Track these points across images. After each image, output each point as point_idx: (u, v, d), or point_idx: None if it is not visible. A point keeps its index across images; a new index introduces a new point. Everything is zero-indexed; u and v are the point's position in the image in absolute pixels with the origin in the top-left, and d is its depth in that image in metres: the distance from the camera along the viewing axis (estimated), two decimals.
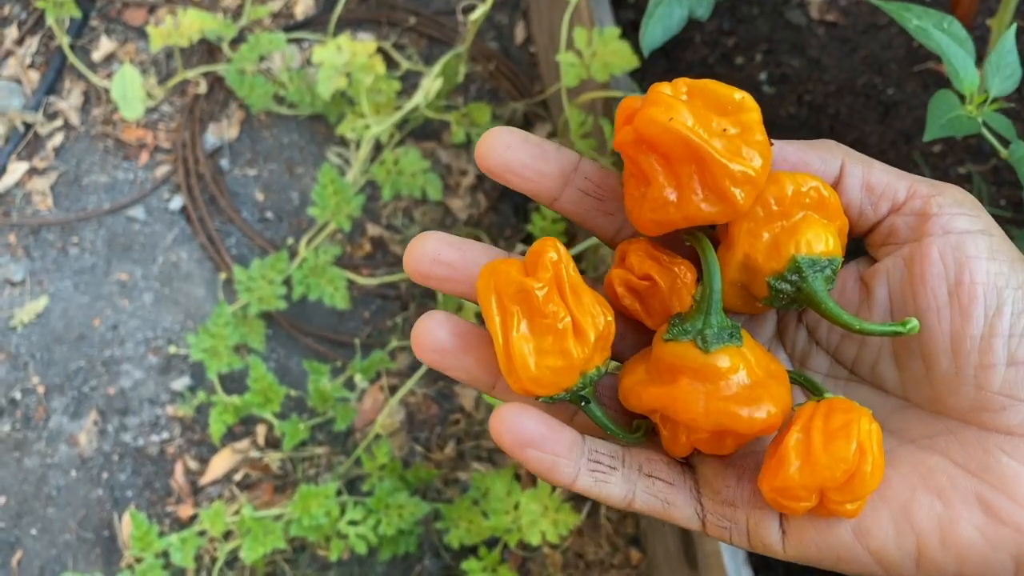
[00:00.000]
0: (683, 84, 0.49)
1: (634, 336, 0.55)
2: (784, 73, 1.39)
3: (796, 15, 1.42)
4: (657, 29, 0.68)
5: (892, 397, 0.51)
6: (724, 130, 0.47)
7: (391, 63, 1.59)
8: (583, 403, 0.51)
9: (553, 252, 0.49)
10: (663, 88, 0.48)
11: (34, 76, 1.61)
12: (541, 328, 0.49)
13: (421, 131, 1.56)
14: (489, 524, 1.20)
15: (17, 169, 1.55)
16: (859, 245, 0.53)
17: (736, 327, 0.49)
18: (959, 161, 1.29)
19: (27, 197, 1.53)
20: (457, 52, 1.42)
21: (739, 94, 0.48)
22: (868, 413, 0.46)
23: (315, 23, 1.66)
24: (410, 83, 1.57)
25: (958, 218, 0.48)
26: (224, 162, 1.56)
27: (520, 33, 1.65)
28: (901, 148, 1.31)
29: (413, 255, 0.51)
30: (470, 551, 1.32)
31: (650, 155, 0.48)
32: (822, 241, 0.48)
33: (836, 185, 0.50)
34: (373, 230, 1.51)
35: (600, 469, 0.49)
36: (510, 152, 0.51)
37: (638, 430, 0.54)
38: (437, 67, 1.37)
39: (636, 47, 1.21)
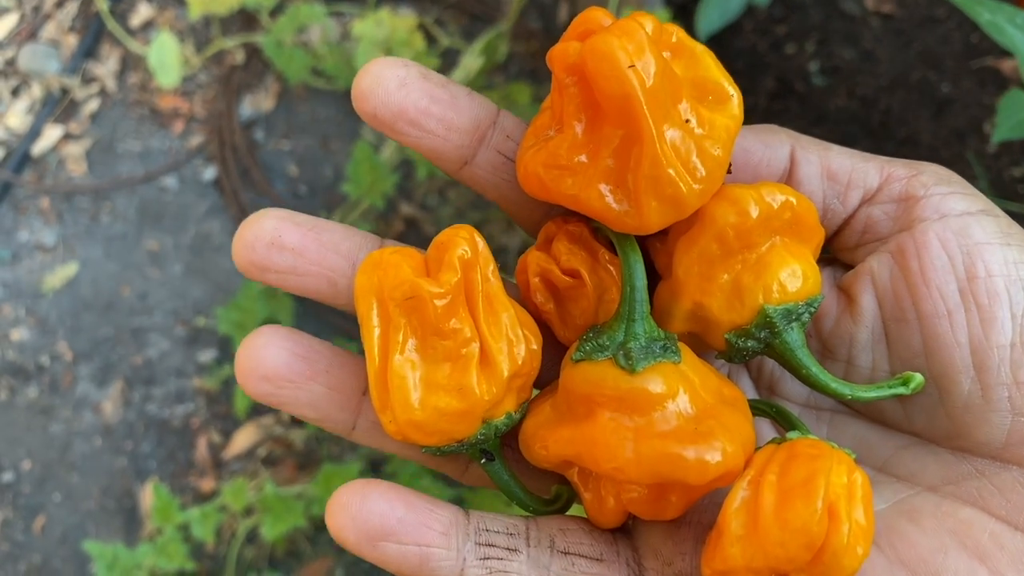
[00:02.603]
0: (674, 32, 0.37)
1: (553, 353, 0.41)
2: (836, 65, 1.34)
3: (850, 5, 1.37)
4: (715, 13, 0.64)
5: (895, 432, 0.40)
6: (687, 122, 0.35)
7: (431, 39, 1.56)
8: (484, 460, 0.39)
9: (465, 247, 0.36)
10: (644, 20, 0.35)
11: (72, 40, 1.60)
12: (436, 352, 0.36)
13: None
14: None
15: (52, 134, 1.54)
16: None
17: (671, 338, 0.37)
18: (1015, 162, 1.25)
19: (61, 162, 1.53)
20: (499, 30, 1.39)
21: (731, 88, 0.37)
22: (845, 459, 0.34)
23: None
24: (449, 60, 1.54)
25: (952, 198, 0.38)
26: (259, 134, 1.54)
27: (564, 13, 1.62)
28: (954, 147, 1.27)
29: (244, 239, 0.38)
30: None
31: (579, 94, 0.35)
32: (798, 278, 0.37)
33: (788, 178, 0.40)
34: (406, 209, 1.50)
35: (495, 555, 0.37)
36: (404, 92, 0.37)
37: (557, 500, 0.41)
38: (478, 45, 1.34)
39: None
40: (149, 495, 1.35)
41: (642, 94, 0.33)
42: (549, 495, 0.41)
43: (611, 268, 0.39)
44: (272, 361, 0.38)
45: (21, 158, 1.51)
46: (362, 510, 0.35)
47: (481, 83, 1.45)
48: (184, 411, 1.40)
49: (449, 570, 0.36)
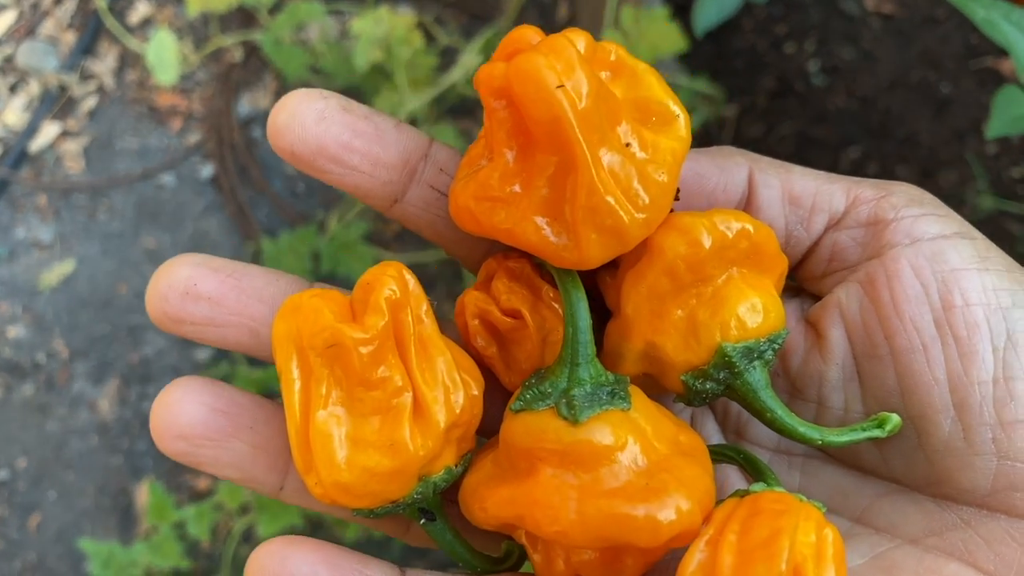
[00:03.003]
0: (613, 50, 0.34)
1: (500, 399, 0.37)
2: (835, 64, 1.34)
3: (850, 5, 1.37)
4: (712, 9, 0.64)
5: (873, 479, 0.37)
6: (628, 145, 0.32)
7: (430, 37, 1.56)
8: (423, 520, 0.36)
9: (393, 286, 0.33)
10: (575, 37, 0.32)
11: (70, 38, 1.60)
12: (363, 405, 0.33)
13: (458, 108, 1.53)
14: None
15: (50, 131, 1.54)
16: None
17: (621, 381, 0.34)
18: (1014, 162, 1.25)
19: (59, 160, 1.53)
20: (498, 29, 1.39)
21: (676, 108, 0.33)
22: (814, 515, 0.31)
23: None
24: (448, 59, 1.54)
25: (924, 220, 0.35)
26: (257, 132, 1.54)
27: (563, 11, 1.62)
28: (954, 147, 1.27)
29: (157, 290, 0.35)
30: None
31: (509, 119, 0.32)
32: (759, 314, 0.34)
33: (747, 204, 0.37)
34: None
35: None
36: (323, 126, 0.35)
37: (508, 558, 0.38)
38: (477, 43, 1.34)
39: (684, 30, 1.18)
40: (144, 493, 1.34)
41: (573, 116, 0.30)
42: (499, 552, 0.38)
43: (555, 306, 0.37)
44: (188, 418, 0.34)
45: (18, 155, 1.51)
46: (281, 573, 0.32)
47: None
48: None
49: None
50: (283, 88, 1.56)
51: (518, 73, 0.31)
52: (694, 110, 1.24)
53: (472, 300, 0.37)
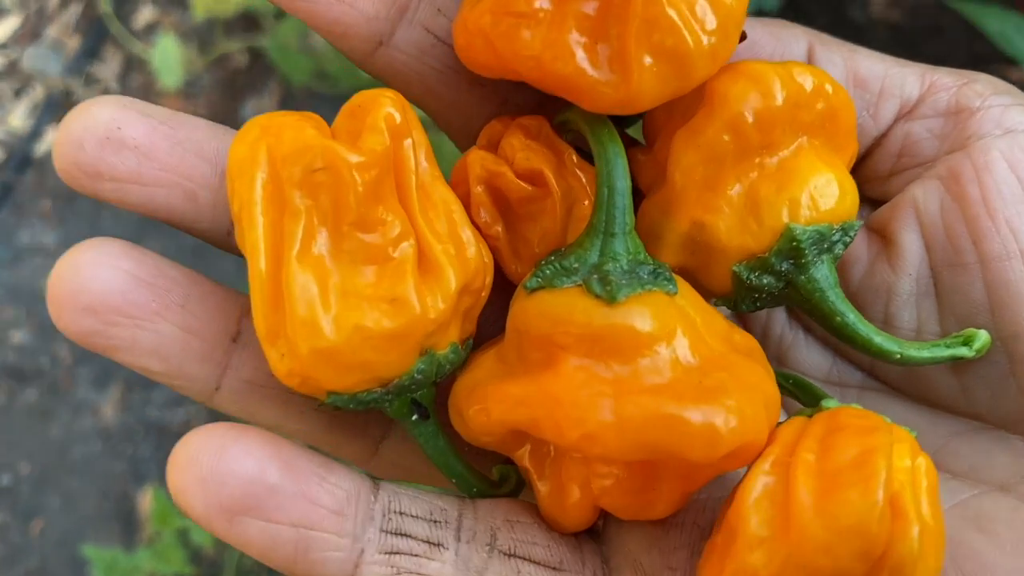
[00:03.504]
0: None
1: (502, 299, 0.29)
2: None
3: (857, 13, 1.37)
4: None
5: (948, 415, 0.31)
6: None
7: None
8: (414, 415, 0.28)
9: (393, 109, 0.26)
10: None
11: (75, 42, 1.59)
12: (356, 251, 0.25)
13: None
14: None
15: (54, 135, 1.54)
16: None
17: (662, 265, 0.27)
18: None
19: None
20: None
21: None
22: (906, 436, 0.25)
23: None
24: None
25: (1017, 110, 0.30)
26: None
27: None
28: None
29: (70, 133, 0.27)
30: None
31: None
32: (834, 194, 0.28)
33: None
34: None
35: (407, 549, 0.26)
36: None
37: (504, 483, 0.30)
38: None
39: None
40: (148, 499, 1.34)
41: None
42: (493, 478, 0.31)
43: (581, 175, 0.29)
44: (101, 285, 0.27)
45: (23, 159, 1.51)
46: (217, 468, 0.25)
47: None
48: (183, 415, 1.40)
49: (338, 565, 0.26)
50: (288, 93, 1.56)
51: None
52: None
53: (479, 160, 0.29)
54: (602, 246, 0.26)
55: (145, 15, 1.61)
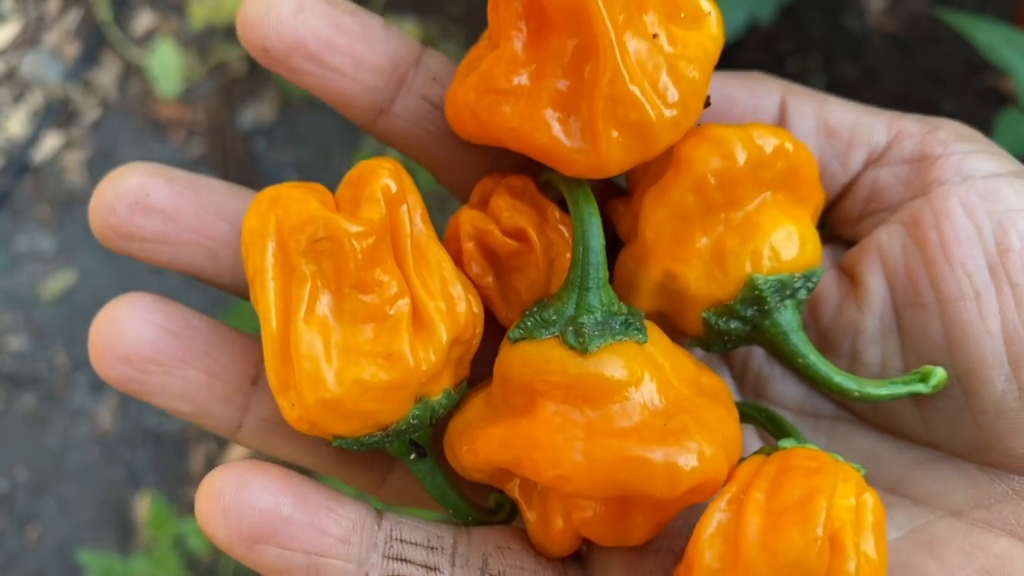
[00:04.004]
0: None
1: (493, 341, 0.32)
2: (839, 81, 1.35)
3: (854, 22, 1.38)
4: None
5: (911, 444, 0.33)
6: (655, 36, 0.28)
7: None
8: (413, 455, 0.31)
9: (390, 180, 0.29)
10: None
11: (74, 49, 1.60)
12: (356, 311, 0.28)
13: None
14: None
15: (53, 142, 1.54)
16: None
17: (636, 314, 0.30)
18: None
19: (61, 170, 1.53)
20: None
21: (707, 5, 0.29)
22: (852, 475, 0.27)
23: (359, 7, 1.64)
24: None
25: (976, 157, 0.31)
26: (260, 144, 1.54)
27: None
28: None
29: (103, 199, 0.31)
30: None
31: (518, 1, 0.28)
32: (794, 243, 0.30)
33: None
34: None
35: (406, 572, 0.29)
36: (302, 18, 0.30)
37: (499, 510, 0.33)
38: None
39: None
40: (144, 505, 1.34)
41: None
42: (487, 506, 0.34)
43: (563, 229, 0.32)
44: (135, 337, 0.30)
45: (21, 165, 1.51)
46: (239, 502, 0.28)
47: None
48: (180, 422, 1.40)
49: None
50: (286, 101, 1.56)
51: None
52: None
53: (468, 219, 0.32)
54: (578, 299, 0.29)
55: (144, 22, 1.62)
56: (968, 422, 0.31)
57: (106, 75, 1.59)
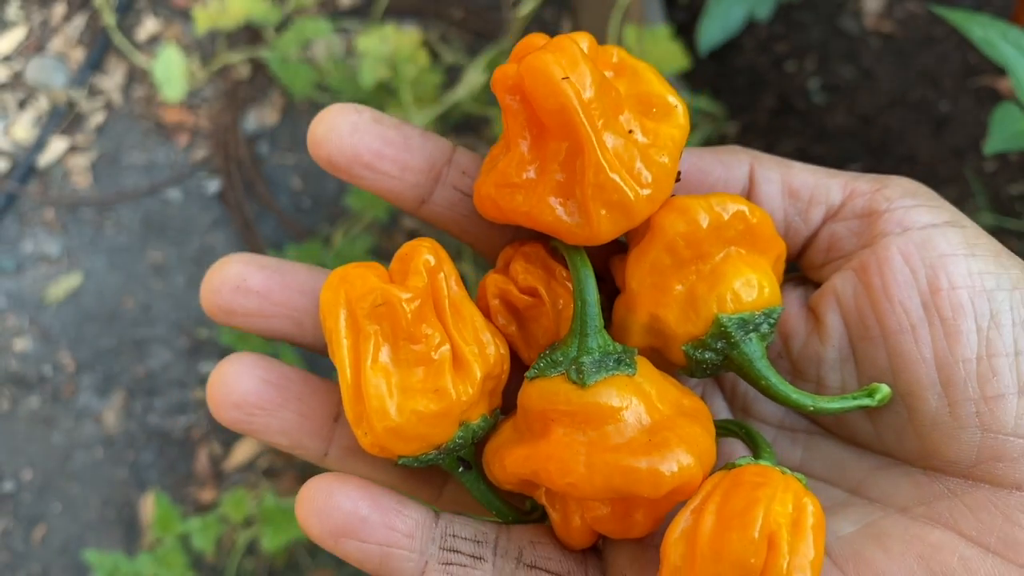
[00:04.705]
0: (615, 52, 0.37)
1: (520, 376, 0.40)
2: (835, 83, 1.36)
3: (850, 24, 1.39)
4: (715, 28, 0.66)
5: (868, 453, 0.39)
6: (631, 132, 0.36)
7: (435, 55, 1.57)
8: (461, 469, 0.39)
9: (429, 255, 0.37)
10: (578, 38, 0.36)
11: (79, 54, 1.61)
12: (409, 357, 0.36)
13: (462, 125, 1.54)
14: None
15: (58, 146, 1.55)
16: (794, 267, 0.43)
17: (628, 352, 0.37)
18: (1012, 179, 1.26)
19: (67, 174, 1.54)
20: (502, 47, 1.40)
21: (675, 100, 0.37)
22: (793, 486, 0.33)
23: (361, 12, 1.65)
24: (453, 76, 1.55)
25: (916, 210, 0.37)
26: (263, 148, 1.55)
27: (567, 29, 1.63)
28: (953, 164, 1.28)
29: (211, 284, 0.39)
30: None
31: (523, 112, 0.36)
32: (754, 289, 0.37)
33: (748, 197, 0.40)
34: (409, 222, 1.50)
35: (458, 561, 0.37)
36: (357, 136, 0.38)
37: (533, 511, 0.41)
38: (482, 61, 1.36)
39: (687, 48, 1.19)
40: (149, 505, 1.35)
41: (578, 103, 0.34)
42: (525, 509, 0.41)
43: (568, 284, 0.39)
44: (243, 388, 0.38)
45: (27, 170, 1.52)
46: (327, 505, 0.35)
47: (484, 98, 1.46)
48: (185, 422, 1.41)
49: (410, 572, 0.36)
50: (289, 105, 1.58)
51: (529, 69, 0.34)
52: (696, 127, 1.25)
53: (492, 282, 0.40)
54: (579, 344, 0.37)
55: (148, 27, 1.63)
56: (911, 434, 0.36)
57: (111, 80, 1.60)
